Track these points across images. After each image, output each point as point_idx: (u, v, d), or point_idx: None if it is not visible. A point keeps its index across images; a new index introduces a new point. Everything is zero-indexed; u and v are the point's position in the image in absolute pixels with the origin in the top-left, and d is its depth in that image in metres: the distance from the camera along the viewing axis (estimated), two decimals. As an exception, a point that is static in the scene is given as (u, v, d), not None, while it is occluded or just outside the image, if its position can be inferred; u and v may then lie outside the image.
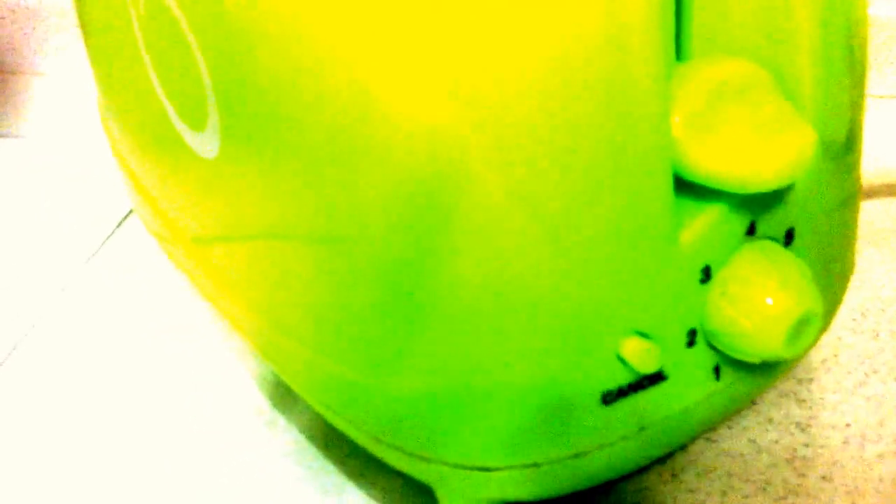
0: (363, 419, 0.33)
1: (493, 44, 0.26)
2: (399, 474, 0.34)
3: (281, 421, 0.41)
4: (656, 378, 0.31)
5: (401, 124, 0.27)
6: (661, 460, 0.37)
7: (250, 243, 0.34)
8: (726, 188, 0.29)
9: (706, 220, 0.30)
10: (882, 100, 0.53)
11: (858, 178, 0.34)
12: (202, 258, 0.38)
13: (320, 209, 0.30)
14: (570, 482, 0.32)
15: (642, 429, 0.32)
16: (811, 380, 0.40)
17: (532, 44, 0.26)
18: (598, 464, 0.32)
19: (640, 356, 0.30)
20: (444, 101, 0.26)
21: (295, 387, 0.36)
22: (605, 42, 0.26)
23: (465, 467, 0.32)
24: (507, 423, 0.30)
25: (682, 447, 0.37)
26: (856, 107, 0.33)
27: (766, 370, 0.33)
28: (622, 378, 0.30)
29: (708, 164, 0.28)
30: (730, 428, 0.38)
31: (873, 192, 0.47)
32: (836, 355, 0.41)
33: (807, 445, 0.37)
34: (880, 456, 0.37)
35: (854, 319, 0.42)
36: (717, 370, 0.32)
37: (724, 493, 0.36)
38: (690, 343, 0.31)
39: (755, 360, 0.31)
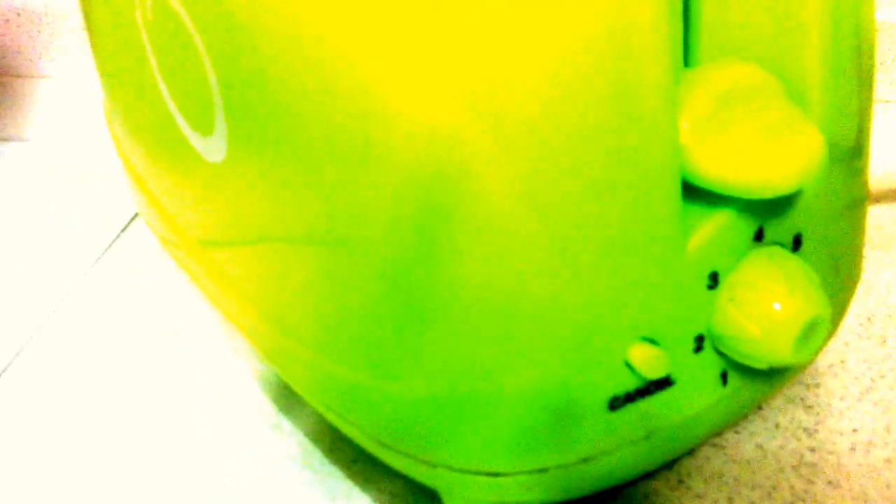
0: (369, 423, 0.33)
1: (499, 46, 0.26)
2: (405, 479, 0.34)
3: (286, 425, 0.40)
4: (663, 384, 0.31)
5: (407, 126, 0.27)
6: (668, 465, 0.37)
7: (256, 246, 0.34)
8: (734, 194, 0.28)
9: (714, 225, 0.29)
10: (889, 104, 0.53)
11: (866, 183, 0.34)
12: (207, 261, 0.38)
13: (327, 212, 0.30)
14: (576, 487, 0.32)
15: (649, 434, 0.31)
16: (818, 385, 0.40)
17: (539, 47, 0.26)
18: (605, 469, 0.32)
19: (648, 362, 0.30)
20: (451, 104, 0.26)
21: (300, 390, 0.36)
22: (613, 46, 0.26)
23: (471, 472, 0.32)
24: (514, 428, 0.30)
25: (689, 452, 0.37)
26: (863, 111, 0.32)
27: (773, 376, 0.33)
28: (629, 383, 0.30)
29: (716, 170, 0.28)
30: (737, 433, 0.38)
31: (881, 197, 0.47)
32: (843, 361, 0.40)
33: (813, 451, 0.37)
34: (888, 461, 0.36)
35: (861, 325, 0.42)
36: (724, 376, 0.32)
37: (730, 499, 0.36)
38: (698, 349, 0.31)
39: (763, 365, 0.31)
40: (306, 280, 0.32)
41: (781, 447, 0.37)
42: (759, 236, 0.30)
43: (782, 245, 0.31)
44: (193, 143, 0.35)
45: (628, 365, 0.30)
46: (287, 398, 0.41)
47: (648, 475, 0.36)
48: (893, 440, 0.37)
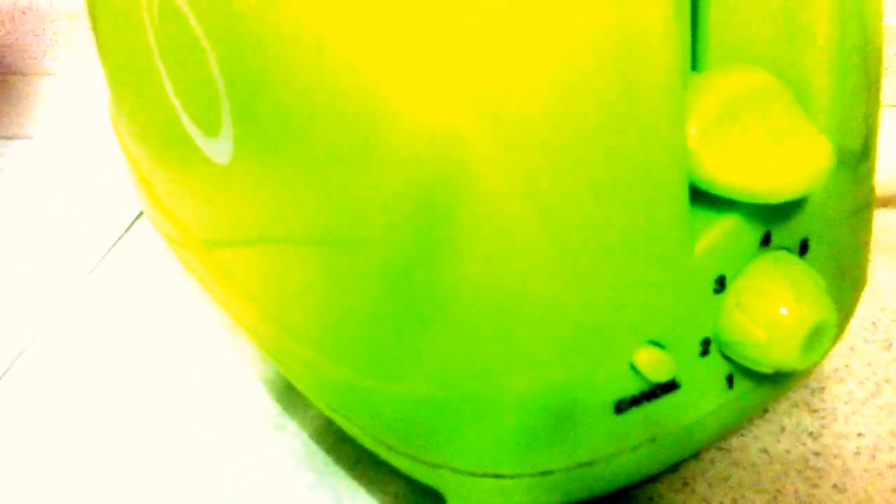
0: (373, 424, 0.33)
1: (503, 46, 0.26)
2: (410, 480, 0.34)
3: (290, 425, 0.41)
4: (669, 387, 0.31)
5: (409, 126, 0.27)
6: (673, 468, 0.37)
7: (259, 246, 0.34)
8: (742, 199, 0.28)
9: (721, 230, 0.29)
10: (895, 109, 0.52)
11: (872, 188, 0.34)
12: (212, 261, 0.38)
13: (329, 212, 0.30)
14: (581, 490, 0.32)
15: (654, 437, 0.31)
16: (823, 389, 0.39)
17: (543, 47, 0.26)
18: (610, 472, 0.32)
19: (654, 366, 0.30)
20: (453, 104, 0.26)
21: (304, 390, 0.36)
22: (618, 48, 0.26)
23: (475, 474, 0.32)
24: (517, 430, 0.30)
25: (694, 456, 0.37)
26: (870, 116, 0.32)
27: (778, 380, 0.33)
28: (635, 387, 0.30)
29: (723, 175, 0.28)
30: (742, 437, 0.38)
31: (887, 202, 0.47)
32: (848, 365, 0.40)
33: (818, 455, 0.37)
34: (892, 466, 0.36)
35: (866, 329, 0.42)
36: (730, 379, 0.32)
37: (735, 503, 0.36)
38: (704, 352, 0.31)
39: (769, 370, 0.31)
40: (309, 280, 0.32)
41: (786, 451, 0.37)
42: (765, 241, 0.30)
43: (789, 250, 0.31)
44: (199, 143, 0.35)
45: (634, 368, 0.30)
46: (291, 399, 0.41)
47: (653, 478, 0.36)
48: (898, 444, 0.37)
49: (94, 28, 0.43)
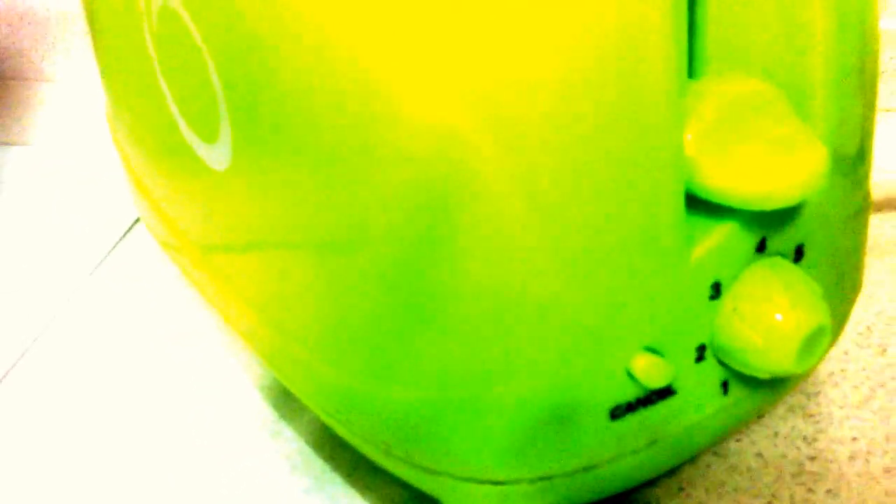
0: (371, 429, 0.33)
1: (504, 48, 0.26)
2: (407, 486, 0.34)
3: (287, 431, 0.41)
4: (665, 393, 0.31)
5: (411, 126, 0.27)
6: (669, 473, 0.37)
7: (258, 251, 0.34)
8: (738, 205, 0.29)
9: (717, 236, 0.30)
10: (890, 113, 0.53)
11: (868, 193, 0.34)
12: (209, 265, 0.38)
13: (331, 215, 0.30)
14: (578, 495, 0.32)
15: (651, 443, 0.32)
16: (818, 394, 0.40)
17: (544, 50, 0.26)
18: (607, 477, 0.32)
19: (650, 371, 0.30)
20: (454, 105, 0.26)
21: (301, 395, 0.36)
22: (618, 52, 0.26)
23: (473, 480, 0.32)
24: (515, 435, 0.30)
25: (691, 460, 0.37)
26: (866, 121, 0.33)
27: (774, 385, 0.33)
28: (631, 393, 0.30)
29: (720, 182, 0.28)
30: (738, 441, 0.38)
31: (882, 206, 0.47)
32: (843, 370, 0.41)
33: (813, 459, 0.37)
34: (887, 470, 0.37)
35: (861, 334, 0.42)
36: (725, 385, 0.32)
37: (731, 507, 0.36)
38: (699, 358, 0.31)
39: (764, 375, 0.31)
40: (307, 283, 0.32)
41: (782, 456, 0.37)
42: (761, 247, 0.30)
43: (784, 256, 0.31)
44: (197, 149, 0.35)
45: (630, 374, 0.30)
46: (288, 404, 0.41)
47: (651, 483, 0.36)
48: (893, 449, 0.37)
49: (93, 36, 0.43)
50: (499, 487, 0.31)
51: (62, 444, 0.41)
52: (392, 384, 0.31)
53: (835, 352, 0.41)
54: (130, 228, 0.53)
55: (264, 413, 0.42)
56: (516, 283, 0.28)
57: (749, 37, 0.30)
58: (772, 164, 0.28)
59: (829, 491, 0.36)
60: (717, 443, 0.37)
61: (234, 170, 0.33)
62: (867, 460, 0.37)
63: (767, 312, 0.30)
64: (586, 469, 0.31)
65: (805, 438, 0.38)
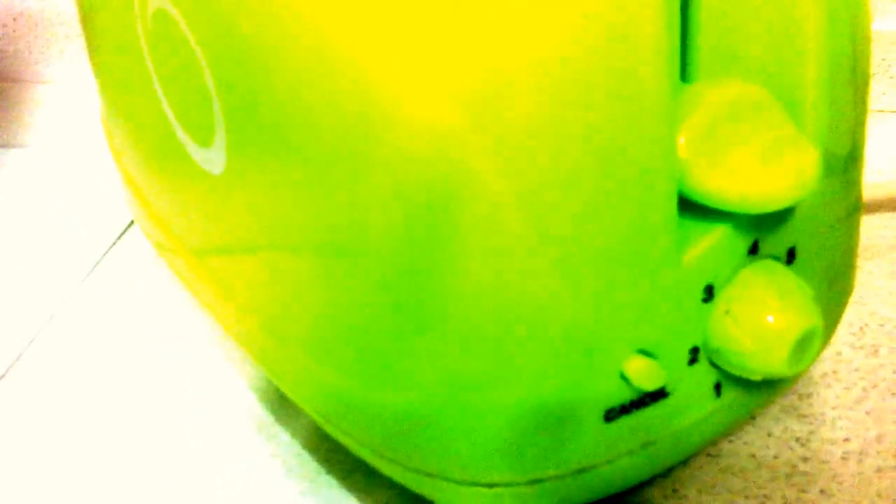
0: (365, 432, 0.33)
1: (498, 48, 0.26)
2: (402, 489, 0.34)
3: (282, 434, 0.41)
4: (658, 395, 0.31)
5: (407, 128, 0.27)
6: (663, 474, 0.37)
7: (252, 255, 0.34)
8: (730, 209, 0.29)
9: (709, 239, 0.30)
10: (882, 114, 0.53)
11: (860, 195, 0.34)
12: (203, 269, 0.38)
13: (327, 218, 0.30)
14: (572, 498, 0.32)
15: (644, 445, 0.32)
16: (811, 395, 0.40)
17: (537, 51, 0.26)
18: (601, 480, 0.32)
19: (644, 374, 0.30)
20: (452, 106, 0.26)
21: (296, 398, 0.36)
22: (611, 57, 0.26)
23: (467, 483, 0.32)
24: (509, 438, 0.30)
25: (684, 462, 0.37)
26: (858, 123, 0.33)
27: (766, 387, 0.33)
28: (624, 395, 0.30)
29: (712, 185, 0.28)
30: (731, 442, 0.38)
31: (873, 207, 0.47)
32: (835, 371, 0.41)
33: (806, 460, 0.37)
34: (879, 471, 0.37)
35: (853, 334, 0.42)
36: (718, 387, 0.32)
37: (724, 508, 0.36)
38: (692, 361, 0.31)
39: (757, 377, 0.31)
40: (303, 286, 0.32)
41: (775, 456, 0.37)
42: (753, 250, 0.31)
43: (777, 258, 0.31)
44: (192, 153, 0.35)
45: (624, 377, 0.30)
46: (282, 408, 0.41)
47: (644, 485, 0.36)
48: (885, 449, 0.37)
49: (87, 39, 0.43)
50: (493, 490, 0.32)
51: (58, 446, 0.41)
52: (386, 386, 0.31)
53: (827, 353, 0.41)
54: (126, 231, 0.53)
55: (259, 416, 0.42)
56: (510, 286, 0.28)
57: (742, 41, 0.30)
58: (764, 168, 0.28)
59: (822, 491, 0.36)
60: (710, 444, 0.37)
61: (229, 173, 0.33)
62: (860, 461, 0.37)
63: (760, 315, 0.30)
64: (580, 471, 0.31)
65: (798, 439, 0.38)
